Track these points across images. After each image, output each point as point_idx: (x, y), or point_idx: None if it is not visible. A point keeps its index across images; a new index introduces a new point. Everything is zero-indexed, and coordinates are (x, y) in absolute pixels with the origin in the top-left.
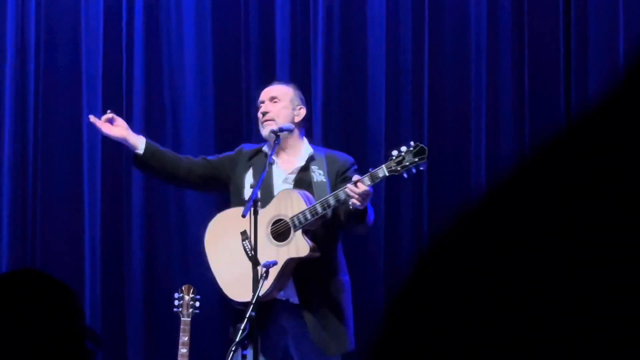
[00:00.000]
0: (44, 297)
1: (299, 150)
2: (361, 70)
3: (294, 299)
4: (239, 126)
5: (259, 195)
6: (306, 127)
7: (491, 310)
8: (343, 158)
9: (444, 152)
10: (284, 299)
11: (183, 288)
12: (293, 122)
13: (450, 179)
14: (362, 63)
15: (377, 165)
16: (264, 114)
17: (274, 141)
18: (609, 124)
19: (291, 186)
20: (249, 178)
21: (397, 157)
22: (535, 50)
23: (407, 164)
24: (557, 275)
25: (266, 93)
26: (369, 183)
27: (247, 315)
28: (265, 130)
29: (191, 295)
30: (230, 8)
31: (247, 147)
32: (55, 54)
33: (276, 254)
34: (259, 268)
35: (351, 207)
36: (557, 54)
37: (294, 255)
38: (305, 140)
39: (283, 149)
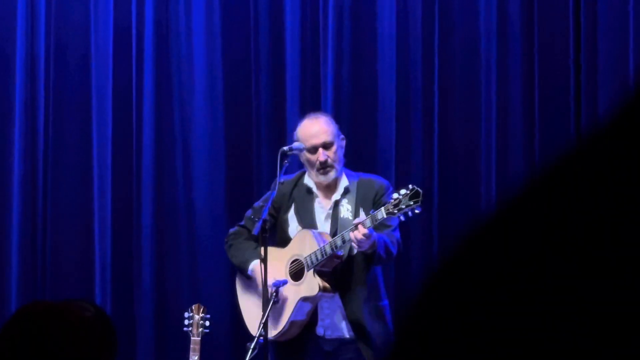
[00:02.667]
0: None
1: (338, 184)
2: (371, 89)
3: (347, 334)
4: (249, 145)
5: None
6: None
7: (503, 329)
8: (378, 184)
9: (455, 168)
10: (333, 336)
11: (193, 307)
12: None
13: (460, 195)
14: (372, 82)
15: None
16: (323, 163)
17: (284, 162)
18: (620, 139)
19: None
20: (292, 215)
21: (395, 200)
22: (545, 66)
23: (403, 206)
24: (569, 290)
25: (316, 137)
26: (369, 225)
27: (257, 336)
28: (326, 178)
29: (201, 315)
30: (240, 28)
31: (285, 182)
32: (65, 73)
33: (293, 293)
34: (268, 288)
35: (354, 250)
36: (567, 70)
37: (305, 294)
38: (343, 171)
39: (324, 184)
